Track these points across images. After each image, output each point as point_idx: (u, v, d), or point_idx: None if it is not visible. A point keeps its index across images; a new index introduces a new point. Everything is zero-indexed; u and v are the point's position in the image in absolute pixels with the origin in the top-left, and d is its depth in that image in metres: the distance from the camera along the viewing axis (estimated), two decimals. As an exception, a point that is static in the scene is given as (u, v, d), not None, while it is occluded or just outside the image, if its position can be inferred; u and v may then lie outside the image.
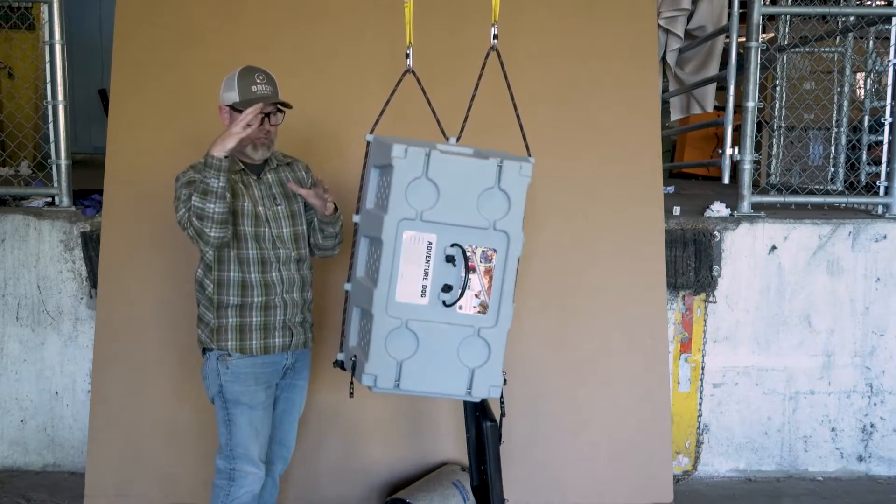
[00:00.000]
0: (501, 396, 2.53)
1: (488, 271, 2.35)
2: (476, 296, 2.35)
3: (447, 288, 2.33)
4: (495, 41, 2.60)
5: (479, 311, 2.36)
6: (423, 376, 2.37)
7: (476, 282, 2.34)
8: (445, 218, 2.31)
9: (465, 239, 2.33)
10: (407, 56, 2.65)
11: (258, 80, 2.57)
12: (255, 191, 2.64)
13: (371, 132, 2.57)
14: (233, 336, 2.59)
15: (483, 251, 2.34)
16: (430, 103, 2.64)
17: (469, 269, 2.32)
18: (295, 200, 2.73)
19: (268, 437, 2.70)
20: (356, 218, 2.51)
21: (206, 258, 2.59)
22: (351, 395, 2.58)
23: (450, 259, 2.32)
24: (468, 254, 2.32)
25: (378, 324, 2.34)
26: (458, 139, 2.51)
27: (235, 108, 2.55)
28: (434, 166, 2.29)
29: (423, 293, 2.34)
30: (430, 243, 2.32)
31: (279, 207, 2.67)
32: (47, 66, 3.74)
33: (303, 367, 2.79)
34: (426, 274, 2.33)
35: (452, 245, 2.32)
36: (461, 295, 2.33)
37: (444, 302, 2.33)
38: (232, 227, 2.54)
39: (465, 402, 2.74)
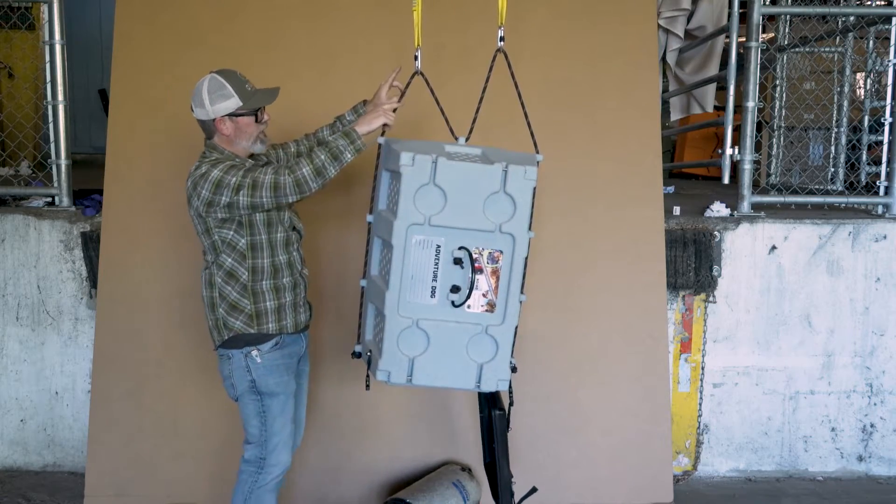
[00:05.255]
0: (510, 386, 2.62)
1: (495, 272, 2.44)
2: (484, 295, 2.45)
3: (455, 289, 2.44)
4: (502, 43, 2.67)
5: (486, 310, 2.46)
6: (433, 372, 2.48)
7: (483, 282, 2.44)
8: (453, 222, 2.40)
9: (473, 241, 2.42)
10: (416, 58, 2.71)
11: (244, 79, 2.60)
12: None
13: (382, 134, 2.63)
14: (272, 318, 2.65)
15: (490, 253, 2.43)
16: (439, 105, 2.70)
17: (476, 271, 2.42)
18: None
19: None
20: (370, 218, 2.62)
21: (240, 247, 2.58)
22: (367, 387, 2.70)
23: (457, 261, 2.42)
24: (475, 256, 2.42)
25: (390, 323, 2.44)
26: (467, 139, 2.59)
27: (238, 115, 2.57)
28: (441, 173, 2.37)
29: (433, 294, 2.44)
30: (439, 246, 2.42)
31: None
32: (47, 66, 3.74)
33: (307, 353, 2.91)
34: (435, 276, 2.44)
35: (460, 248, 2.41)
36: (468, 296, 2.43)
37: (452, 302, 2.44)
38: (265, 216, 2.59)
39: None
